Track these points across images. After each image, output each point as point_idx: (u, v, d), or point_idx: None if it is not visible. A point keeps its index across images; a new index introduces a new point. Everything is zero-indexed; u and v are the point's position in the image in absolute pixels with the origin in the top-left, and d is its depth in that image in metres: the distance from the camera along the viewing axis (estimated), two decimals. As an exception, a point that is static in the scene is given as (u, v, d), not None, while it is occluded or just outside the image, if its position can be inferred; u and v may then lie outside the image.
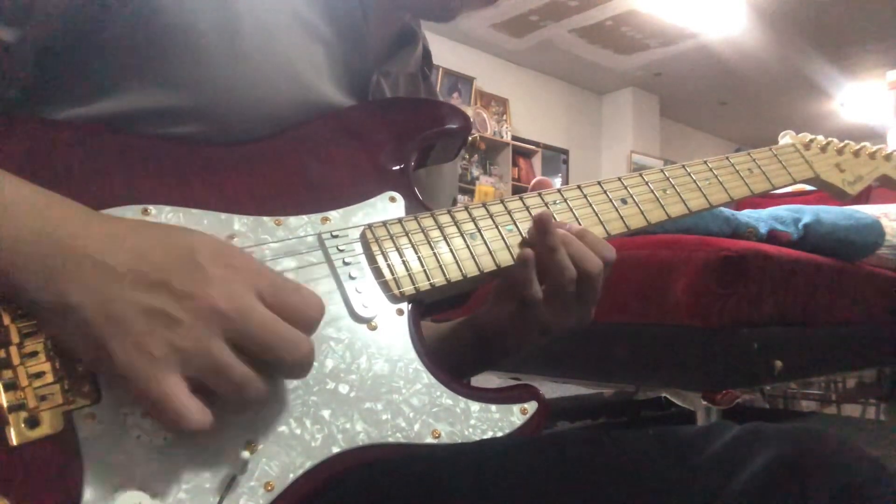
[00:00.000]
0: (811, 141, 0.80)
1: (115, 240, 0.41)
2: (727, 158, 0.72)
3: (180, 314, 0.40)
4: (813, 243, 1.80)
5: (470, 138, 0.69)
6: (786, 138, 0.81)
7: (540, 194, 0.62)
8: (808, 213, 1.85)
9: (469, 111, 6.27)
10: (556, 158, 7.30)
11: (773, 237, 1.75)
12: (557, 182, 6.57)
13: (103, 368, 0.40)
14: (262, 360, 0.42)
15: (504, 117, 6.76)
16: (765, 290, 1.51)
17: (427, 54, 0.77)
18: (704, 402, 1.49)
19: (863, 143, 0.84)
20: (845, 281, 1.85)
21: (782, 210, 1.91)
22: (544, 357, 1.67)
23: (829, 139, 0.82)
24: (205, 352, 0.40)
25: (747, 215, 1.78)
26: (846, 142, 0.83)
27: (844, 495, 0.40)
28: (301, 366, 0.43)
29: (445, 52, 6.08)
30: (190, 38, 0.52)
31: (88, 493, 0.40)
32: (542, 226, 0.56)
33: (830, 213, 1.89)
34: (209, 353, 0.40)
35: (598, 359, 1.65)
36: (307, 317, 0.44)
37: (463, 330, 0.68)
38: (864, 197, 2.69)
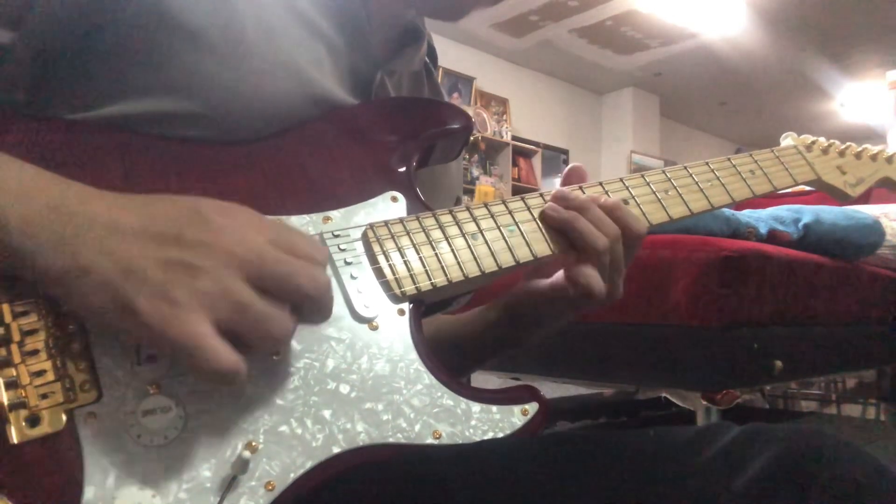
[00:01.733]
0: (813, 143, 0.80)
1: (124, 205, 0.42)
2: (729, 160, 0.72)
3: (198, 261, 0.40)
4: (813, 243, 1.80)
5: (474, 139, 0.69)
6: (787, 140, 0.81)
7: (542, 194, 0.62)
8: (808, 213, 1.85)
9: (469, 111, 6.25)
10: (556, 158, 7.30)
11: (773, 237, 1.75)
12: (557, 182, 6.56)
13: (129, 326, 0.40)
14: (285, 299, 0.43)
15: (504, 117, 6.76)
16: (765, 290, 1.52)
17: (432, 51, 0.77)
18: (704, 402, 1.49)
19: (864, 146, 0.83)
20: (845, 281, 1.86)
21: (782, 210, 1.91)
22: (544, 357, 1.67)
23: (831, 141, 0.82)
24: (227, 292, 0.40)
25: (747, 215, 1.78)
26: (848, 144, 0.82)
27: (845, 496, 0.40)
28: (321, 297, 0.44)
29: (445, 52, 6.06)
30: (191, 39, 0.52)
31: (89, 492, 0.40)
32: (559, 195, 0.59)
33: (830, 213, 1.89)
34: (231, 292, 0.40)
35: (598, 359, 1.65)
36: (315, 256, 0.45)
37: (490, 312, 0.69)
38: (864, 197, 2.69)
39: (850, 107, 7.68)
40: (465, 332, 0.70)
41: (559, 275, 0.61)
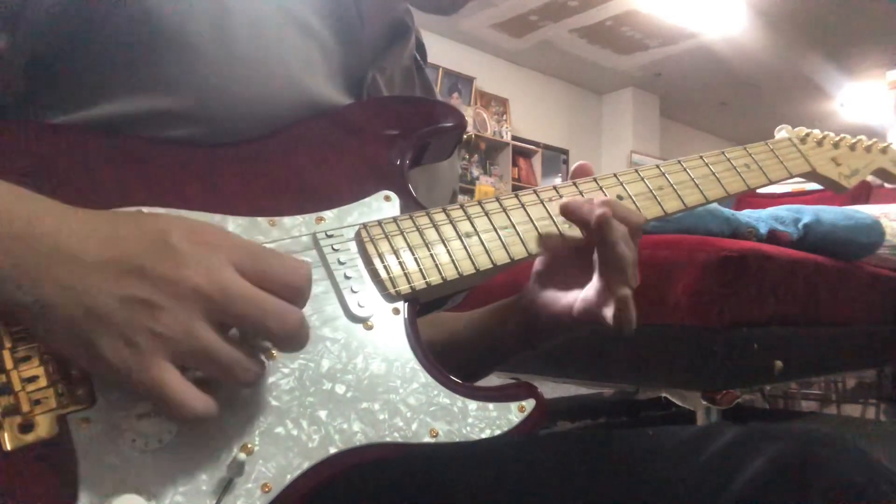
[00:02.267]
0: (807, 135, 0.80)
1: (86, 233, 0.40)
2: (723, 153, 0.72)
3: (158, 299, 0.38)
4: (813, 243, 1.80)
5: (469, 137, 0.69)
6: (782, 132, 0.81)
7: (535, 191, 0.61)
8: (808, 213, 1.85)
9: (469, 111, 6.28)
10: (556, 158, 7.31)
11: (773, 237, 1.75)
12: (557, 182, 6.56)
13: (95, 366, 0.40)
14: (253, 335, 0.41)
15: (504, 117, 6.76)
16: (765, 290, 1.51)
17: (420, 46, 0.77)
18: (704, 402, 1.49)
19: (859, 137, 0.83)
20: (845, 281, 1.85)
21: (782, 210, 1.91)
22: (544, 357, 1.67)
23: (825, 133, 0.82)
24: (188, 335, 0.39)
25: (747, 215, 1.78)
26: (842, 135, 0.82)
27: (844, 496, 0.40)
28: (291, 337, 0.42)
29: (445, 52, 6.08)
30: (182, 40, 0.51)
31: (83, 498, 0.40)
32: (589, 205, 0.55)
33: (830, 213, 1.89)
34: (192, 335, 0.39)
35: (598, 359, 1.65)
36: (291, 284, 0.42)
37: (505, 310, 0.67)
38: (864, 197, 2.69)
39: (850, 107, 7.68)
40: (483, 333, 0.68)
41: (588, 299, 0.57)
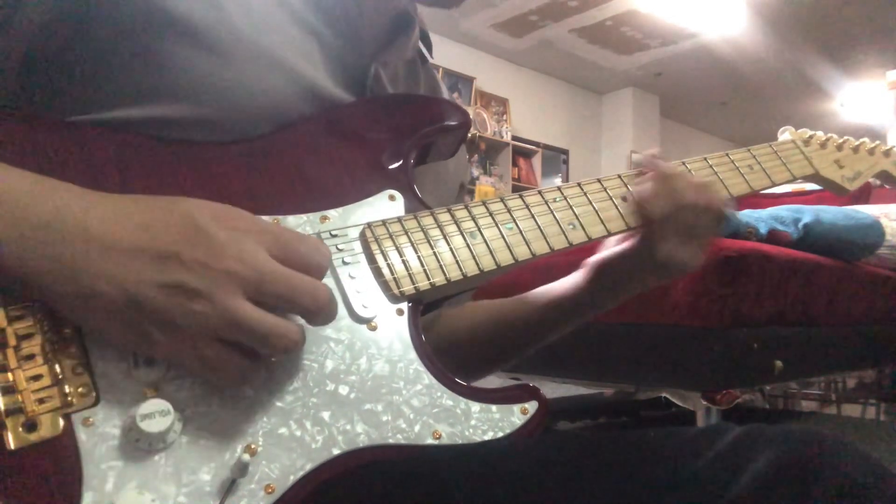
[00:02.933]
0: (810, 137, 0.80)
1: (117, 219, 0.41)
2: (727, 155, 0.72)
3: (197, 283, 0.40)
4: (813, 243, 1.80)
5: (469, 136, 0.69)
6: (785, 134, 0.81)
7: (540, 192, 0.61)
8: (808, 213, 1.85)
9: (469, 111, 6.26)
10: (556, 158, 7.30)
11: (773, 237, 1.75)
12: (557, 182, 6.55)
13: (152, 352, 0.42)
14: (287, 311, 0.44)
15: (504, 117, 6.75)
16: (765, 290, 1.51)
17: (425, 37, 0.76)
18: (704, 402, 1.49)
19: (862, 139, 0.83)
20: (845, 281, 1.85)
21: (782, 210, 1.91)
22: (544, 357, 1.67)
23: (829, 135, 0.82)
24: (228, 313, 0.41)
25: (747, 215, 1.78)
26: (845, 138, 0.82)
27: (845, 498, 0.40)
28: (323, 311, 0.44)
29: (445, 52, 6.07)
30: (182, 40, 0.51)
31: (87, 497, 0.40)
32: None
33: (830, 213, 1.89)
34: (232, 313, 0.41)
35: (598, 359, 1.65)
36: (316, 263, 0.45)
37: (577, 277, 0.70)
38: (864, 197, 2.69)
39: (850, 107, 7.68)
40: (530, 306, 0.71)
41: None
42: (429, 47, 0.77)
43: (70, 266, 0.39)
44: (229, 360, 0.42)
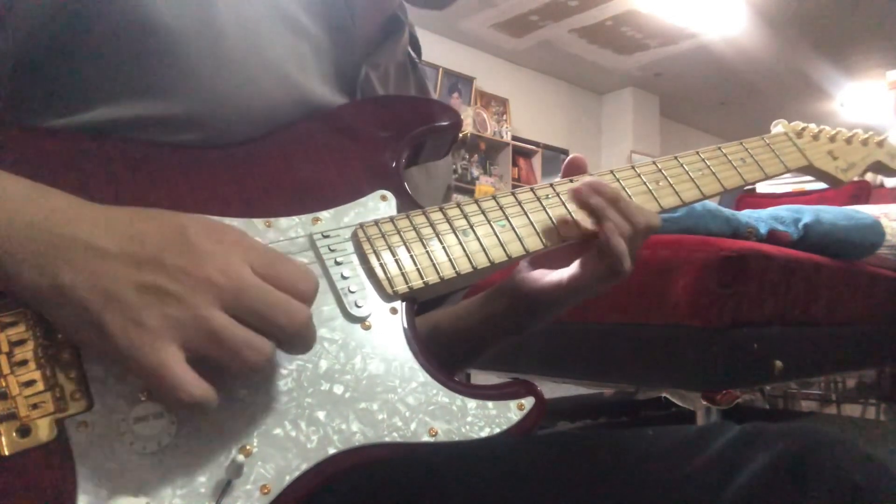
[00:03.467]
0: (803, 129, 0.80)
1: (107, 223, 0.41)
2: (720, 149, 0.71)
3: (174, 287, 0.40)
4: (813, 243, 1.80)
5: (465, 136, 0.69)
6: (778, 127, 0.80)
7: (532, 189, 0.61)
8: (808, 213, 1.85)
9: (469, 111, 6.27)
10: (556, 158, 7.30)
11: (773, 237, 1.75)
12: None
13: (103, 347, 0.40)
14: (261, 331, 0.42)
15: (504, 117, 6.75)
16: (765, 290, 1.51)
17: (414, 41, 0.76)
18: (704, 402, 1.48)
19: (855, 130, 0.83)
20: (845, 281, 1.85)
21: (782, 210, 1.91)
22: (544, 357, 1.67)
23: (821, 127, 0.81)
24: (200, 319, 0.40)
25: (747, 215, 1.78)
26: (838, 129, 0.82)
27: (845, 496, 0.40)
28: (299, 332, 0.43)
29: (445, 52, 6.08)
30: (172, 44, 0.51)
31: (82, 501, 0.40)
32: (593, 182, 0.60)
33: (830, 213, 1.88)
34: (204, 319, 0.40)
35: (598, 359, 1.65)
36: (300, 287, 0.44)
37: (493, 299, 0.68)
38: (864, 197, 2.69)
39: (850, 107, 7.67)
40: (465, 322, 0.69)
41: (574, 265, 0.61)
42: (418, 51, 0.77)
43: (51, 261, 0.39)
44: (178, 370, 0.39)
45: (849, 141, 0.82)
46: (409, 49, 0.75)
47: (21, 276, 0.39)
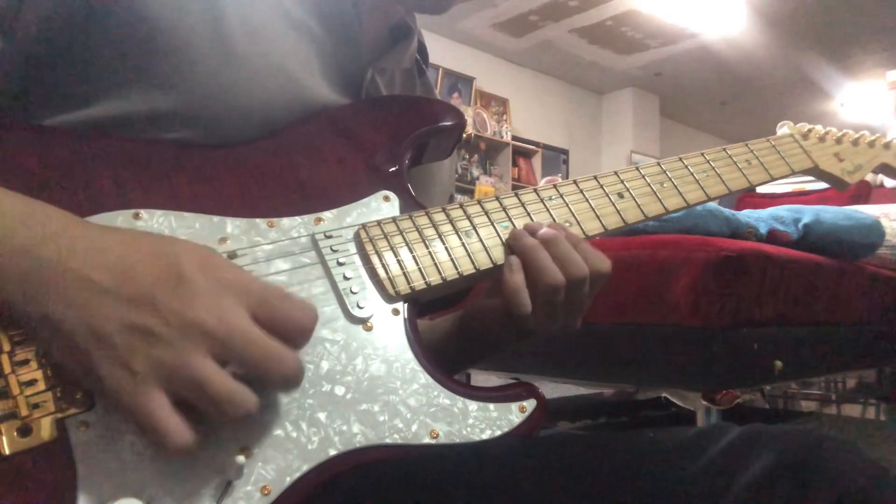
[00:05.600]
0: (809, 131, 0.79)
1: (99, 254, 0.40)
2: (724, 150, 0.71)
3: (162, 330, 0.39)
4: (813, 243, 1.79)
5: (466, 136, 0.68)
6: (783, 129, 0.80)
7: (535, 190, 0.61)
8: (808, 213, 1.85)
9: (469, 111, 6.27)
10: (556, 158, 7.30)
11: (773, 237, 1.74)
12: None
13: (91, 383, 0.40)
14: (251, 377, 0.41)
15: (504, 117, 6.75)
16: (765, 290, 1.51)
17: (422, 49, 0.76)
18: (704, 402, 1.48)
19: (861, 132, 0.83)
20: (845, 281, 1.85)
21: (782, 210, 1.91)
22: (544, 357, 1.67)
23: (828, 129, 0.81)
24: (185, 366, 0.39)
25: (747, 215, 1.78)
26: (844, 131, 0.82)
27: (846, 498, 0.40)
28: (288, 381, 0.43)
29: (445, 52, 6.07)
30: (178, 42, 0.51)
31: (82, 501, 0.40)
32: (519, 233, 0.56)
33: (830, 213, 1.88)
34: (190, 367, 0.39)
35: (598, 359, 1.65)
36: (297, 328, 0.43)
37: (449, 324, 0.68)
38: (864, 197, 2.69)
39: (850, 107, 7.67)
40: (430, 341, 0.68)
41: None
42: (425, 60, 0.77)
43: (42, 293, 0.39)
44: (162, 415, 0.39)
45: (855, 143, 0.82)
46: (417, 56, 0.75)
47: (14, 305, 0.39)
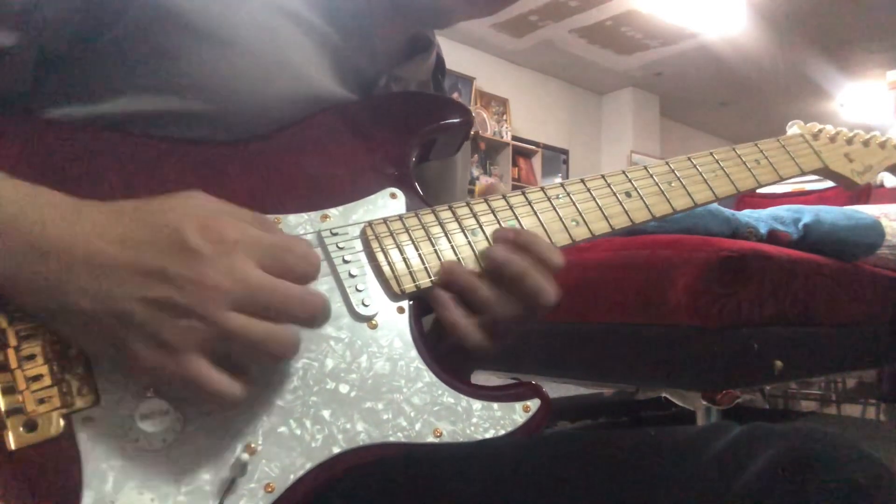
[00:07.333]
0: (820, 131, 0.79)
1: (102, 233, 0.41)
2: (734, 150, 0.70)
3: (184, 299, 0.40)
4: (813, 243, 1.80)
5: (475, 133, 0.68)
6: (793, 128, 0.79)
7: (543, 188, 0.61)
8: (808, 213, 1.85)
9: (469, 111, 6.27)
10: (556, 158, 7.30)
11: (773, 237, 1.75)
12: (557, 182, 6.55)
13: (131, 367, 0.41)
14: (279, 320, 0.42)
15: (504, 117, 6.75)
16: (765, 290, 1.51)
17: (441, 63, 0.76)
18: (704, 402, 1.48)
19: (872, 133, 0.82)
20: (845, 281, 1.85)
21: (782, 210, 1.91)
22: (544, 357, 1.67)
23: (839, 129, 0.80)
24: (216, 325, 0.40)
25: (747, 215, 1.78)
26: (855, 131, 0.81)
27: (846, 496, 0.40)
28: (319, 319, 0.45)
29: (445, 52, 6.01)
30: (189, 39, 0.52)
31: (87, 497, 0.40)
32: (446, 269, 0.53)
33: (830, 213, 1.88)
34: (223, 325, 0.40)
35: (598, 359, 1.65)
36: (306, 271, 0.44)
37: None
38: (864, 197, 2.69)
39: (850, 107, 7.67)
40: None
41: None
42: (442, 74, 0.77)
43: (55, 284, 0.39)
44: (210, 376, 0.40)
45: (866, 143, 0.81)
46: (437, 74, 0.75)
47: (32, 302, 0.40)
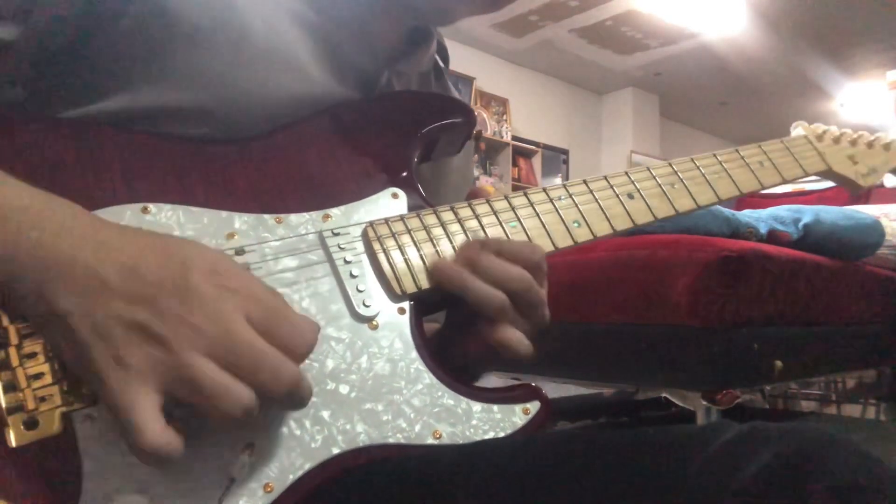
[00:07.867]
0: (824, 132, 0.78)
1: (108, 250, 0.40)
2: (737, 151, 0.70)
3: (160, 329, 0.39)
4: (813, 243, 1.80)
5: (477, 133, 0.68)
6: (797, 129, 0.79)
7: (545, 189, 0.60)
8: (808, 213, 1.85)
9: (469, 111, 6.27)
10: (556, 158, 7.30)
11: (773, 237, 1.75)
12: (557, 182, 6.55)
13: (85, 375, 0.40)
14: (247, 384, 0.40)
15: (504, 117, 6.75)
16: (765, 290, 1.51)
17: (442, 49, 0.76)
18: (704, 402, 1.49)
19: (877, 134, 0.82)
20: (845, 281, 1.85)
21: (782, 210, 1.91)
22: (544, 357, 1.67)
23: (843, 130, 0.80)
24: (180, 364, 0.38)
25: (747, 215, 1.78)
26: (860, 133, 0.80)
27: (845, 495, 0.40)
28: (289, 395, 0.41)
29: (445, 51, 6.07)
30: (194, 38, 0.52)
31: (87, 495, 0.40)
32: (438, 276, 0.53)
33: (830, 213, 1.89)
34: (184, 364, 0.38)
35: (598, 359, 1.65)
36: (299, 340, 0.42)
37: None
38: (864, 197, 2.69)
39: (850, 107, 7.67)
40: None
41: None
42: (446, 60, 0.77)
43: (50, 287, 0.39)
44: (151, 420, 0.37)
45: (870, 145, 0.80)
46: (437, 58, 0.74)
47: (23, 299, 0.39)
